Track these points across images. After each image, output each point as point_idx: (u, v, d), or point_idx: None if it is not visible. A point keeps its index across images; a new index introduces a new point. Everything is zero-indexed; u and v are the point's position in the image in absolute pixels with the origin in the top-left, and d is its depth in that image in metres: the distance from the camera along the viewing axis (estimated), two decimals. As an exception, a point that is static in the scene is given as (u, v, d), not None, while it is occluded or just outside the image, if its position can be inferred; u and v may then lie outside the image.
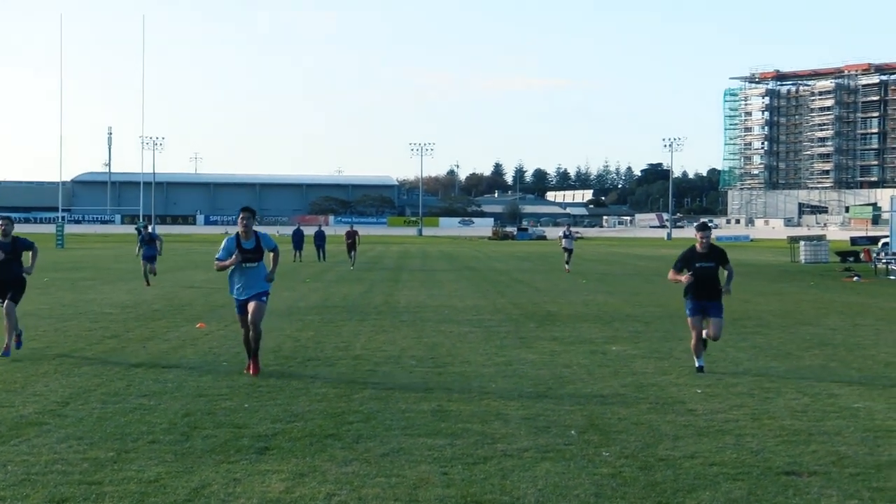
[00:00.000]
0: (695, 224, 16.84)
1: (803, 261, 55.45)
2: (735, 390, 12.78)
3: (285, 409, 11.22)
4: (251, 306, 13.84)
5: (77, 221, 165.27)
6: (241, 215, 13.99)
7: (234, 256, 13.81)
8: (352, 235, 49.68)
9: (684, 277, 14.23)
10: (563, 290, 31.54)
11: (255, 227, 14.27)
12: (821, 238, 61.84)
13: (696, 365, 14.32)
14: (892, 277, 40.56)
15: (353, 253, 48.86)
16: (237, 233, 14.15)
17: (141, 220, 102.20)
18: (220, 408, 11.28)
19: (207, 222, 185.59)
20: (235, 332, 18.78)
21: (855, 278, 38.60)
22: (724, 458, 9.07)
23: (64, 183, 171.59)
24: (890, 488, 8.14)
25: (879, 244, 57.39)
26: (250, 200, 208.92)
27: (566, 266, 44.17)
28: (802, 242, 58.33)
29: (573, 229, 49.71)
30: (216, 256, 14.04)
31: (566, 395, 12.34)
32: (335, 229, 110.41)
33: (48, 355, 15.51)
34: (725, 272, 14.53)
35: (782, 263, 55.18)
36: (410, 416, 10.97)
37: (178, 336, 18.25)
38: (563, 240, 45.12)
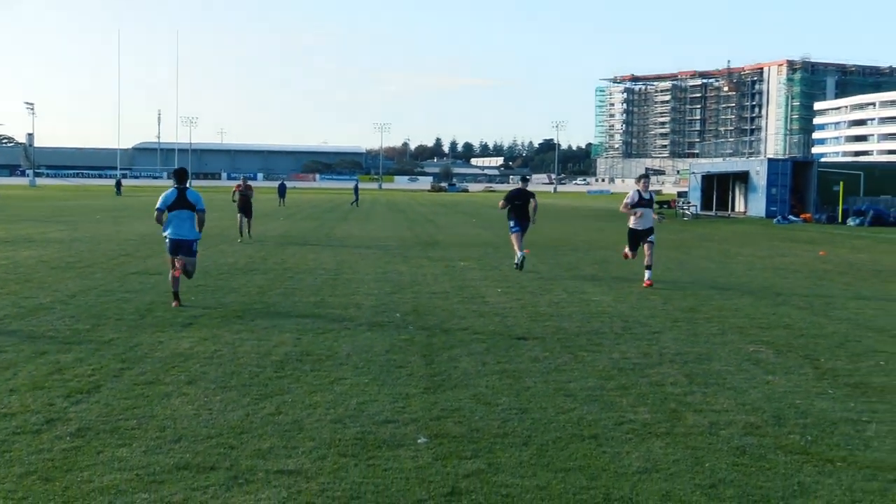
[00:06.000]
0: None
1: (633, 207, 56.39)
2: (524, 290, 13.58)
3: (218, 301, 11.87)
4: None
5: (136, 177, 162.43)
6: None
7: None
8: (246, 195, 23.64)
9: None
10: (454, 226, 32.20)
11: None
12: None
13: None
14: (685, 218, 41.89)
15: (247, 221, 23.33)
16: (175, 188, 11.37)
17: None
18: (175, 300, 11.88)
19: (229, 178, 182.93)
20: (216, 253, 19.33)
21: (656, 217, 39.49)
22: (484, 329, 9.90)
23: (126, 150, 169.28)
24: (576, 346, 9.00)
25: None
26: (261, 163, 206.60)
27: (646, 276, 14.63)
28: (633, 195, 59.23)
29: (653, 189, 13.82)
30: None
31: (410, 292, 13.08)
32: (321, 184, 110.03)
33: (77, 266, 16.02)
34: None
35: (614, 210, 55.94)
36: (298, 304, 11.68)
37: (171, 255, 18.66)
38: (638, 211, 15.23)
